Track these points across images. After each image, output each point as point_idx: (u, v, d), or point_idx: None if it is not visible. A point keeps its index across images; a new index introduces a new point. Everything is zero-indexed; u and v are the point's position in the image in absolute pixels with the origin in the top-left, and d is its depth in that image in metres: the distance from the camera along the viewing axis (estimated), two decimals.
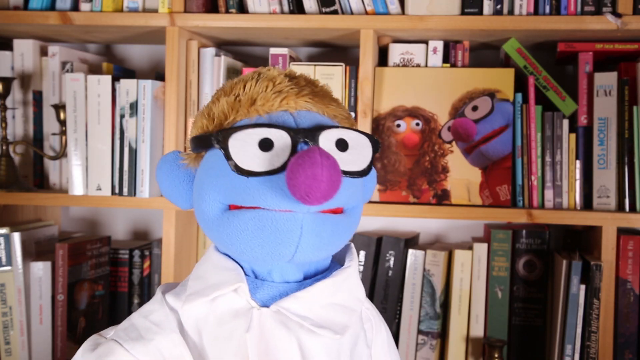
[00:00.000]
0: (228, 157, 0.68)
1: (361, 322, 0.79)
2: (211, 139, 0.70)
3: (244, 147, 0.68)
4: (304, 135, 0.68)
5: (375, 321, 0.82)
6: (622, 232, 1.36)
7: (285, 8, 1.39)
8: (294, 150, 0.68)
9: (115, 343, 0.71)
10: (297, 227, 0.67)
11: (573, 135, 1.36)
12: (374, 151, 0.73)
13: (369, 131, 1.38)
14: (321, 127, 0.70)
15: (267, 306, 0.72)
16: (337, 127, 0.72)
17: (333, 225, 0.70)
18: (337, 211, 0.72)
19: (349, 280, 0.76)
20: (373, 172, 0.82)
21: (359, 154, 0.71)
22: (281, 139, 0.68)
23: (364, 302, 0.80)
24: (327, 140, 0.69)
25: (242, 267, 0.74)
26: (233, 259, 0.75)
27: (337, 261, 0.81)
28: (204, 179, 0.73)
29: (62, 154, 1.51)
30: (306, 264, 0.74)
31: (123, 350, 0.70)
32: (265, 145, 0.68)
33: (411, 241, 1.48)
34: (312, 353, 0.70)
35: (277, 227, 0.68)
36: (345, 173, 0.69)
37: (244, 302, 0.71)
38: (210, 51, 1.46)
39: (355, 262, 0.78)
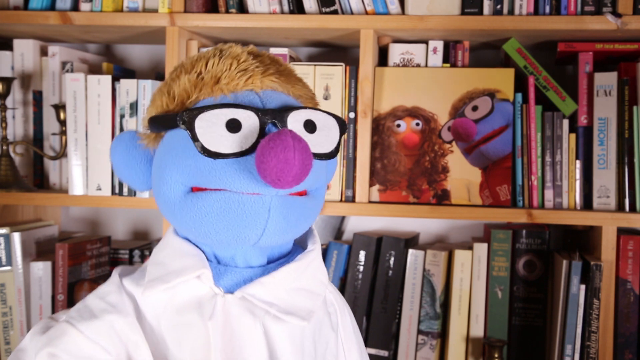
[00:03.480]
0: (195, 138, 0.65)
1: (325, 306, 0.78)
2: (175, 119, 0.67)
3: (210, 128, 0.66)
4: (272, 117, 0.67)
5: (339, 305, 0.81)
6: (622, 232, 1.36)
7: (285, 8, 1.39)
8: (262, 132, 0.66)
9: (68, 324, 0.68)
10: (265, 210, 0.66)
11: (573, 135, 1.36)
12: (341, 132, 0.72)
13: (369, 131, 1.38)
14: (289, 108, 0.68)
15: (231, 292, 0.70)
16: (304, 108, 0.70)
17: (300, 208, 0.69)
18: (302, 194, 0.71)
19: (313, 264, 0.75)
20: None
21: (327, 135, 0.70)
22: (249, 120, 0.66)
23: (328, 286, 0.79)
24: (295, 122, 0.68)
25: (204, 252, 0.72)
26: (194, 244, 0.73)
27: (299, 244, 0.80)
28: (165, 159, 0.70)
29: (62, 154, 1.51)
30: (270, 247, 0.73)
31: (76, 331, 0.67)
32: (233, 126, 0.66)
33: (411, 241, 1.48)
34: (277, 340, 0.69)
35: (244, 210, 0.66)
36: (315, 155, 0.68)
37: (207, 289, 0.70)
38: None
39: (318, 245, 0.78)
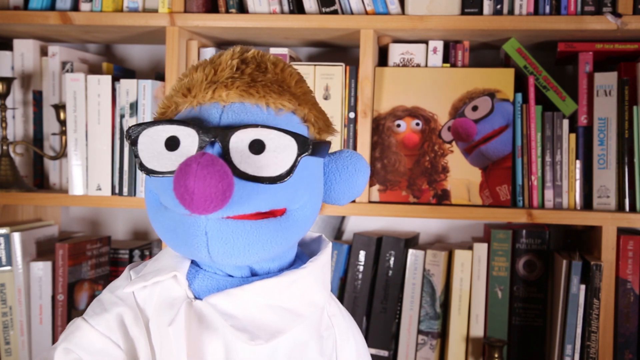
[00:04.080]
0: (135, 154, 0.66)
1: (318, 329, 0.73)
2: (129, 133, 0.67)
3: (151, 145, 0.66)
4: (214, 135, 0.64)
5: (341, 330, 0.76)
6: (622, 232, 1.36)
7: (285, 8, 1.39)
8: (200, 151, 0.64)
9: (82, 320, 0.71)
10: (202, 233, 0.65)
11: (573, 135, 1.36)
12: (301, 152, 0.66)
13: (369, 131, 1.38)
14: (236, 127, 0.65)
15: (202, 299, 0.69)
16: (255, 126, 0.65)
17: (247, 232, 0.65)
18: (275, 213, 0.67)
19: (302, 282, 0.71)
20: (360, 166, 0.75)
21: (277, 157, 0.65)
22: (188, 138, 0.65)
23: (329, 307, 0.75)
24: (239, 141, 0.64)
25: None
26: None
27: (309, 255, 0.76)
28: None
29: (62, 154, 1.51)
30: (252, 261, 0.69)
31: (88, 326, 0.70)
32: (171, 144, 0.65)
33: (411, 241, 1.48)
34: (238, 356, 0.67)
35: (186, 231, 0.65)
36: (254, 178, 0.64)
37: (182, 291, 0.69)
38: (210, 51, 1.46)
39: (318, 264, 0.73)
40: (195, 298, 0.69)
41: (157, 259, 0.74)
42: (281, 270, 0.72)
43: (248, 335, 0.65)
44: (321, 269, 0.74)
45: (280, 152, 0.65)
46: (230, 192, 0.61)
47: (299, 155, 0.66)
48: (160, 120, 0.67)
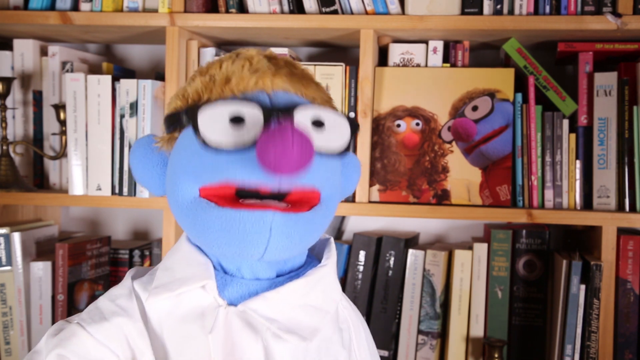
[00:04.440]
0: (197, 131, 0.65)
1: (336, 323, 0.75)
2: (181, 115, 0.68)
3: (214, 122, 0.65)
4: (278, 112, 0.65)
5: (353, 321, 0.78)
6: (622, 232, 1.36)
7: (285, 8, 1.39)
8: (266, 126, 0.64)
9: (78, 326, 0.69)
10: (266, 229, 0.64)
11: (573, 135, 1.36)
12: (352, 132, 0.70)
13: (369, 131, 1.38)
14: (296, 105, 0.67)
15: (235, 305, 0.68)
16: (314, 106, 0.69)
17: (305, 225, 0.67)
18: (313, 198, 0.69)
19: (324, 280, 0.73)
20: (356, 162, 0.79)
21: (336, 133, 0.69)
22: (254, 116, 0.65)
23: (341, 301, 0.77)
24: (302, 118, 0.67)
25: (211, 260, 0.71)
26: (204, 252, 0.72)
27: (316, 255, 0.78)
28: (177, 161, 0.70)
29: (62, 154, 1.51)
30: (279, 261, 0.71)
31: (85, 333, 0.68)
32: (237, 121, 0.65)
33: (411, 241, 1.48)
34: (278, 358, 0.67)
35: (245, 229, 0.64)
36: (323, 152, 0.67)
37: (211, 299, 0.69)
38: (210, 51, 1.46)
39: (333, 260, 0.75)
40: (228, 305, 0.69)
41: (171, 269, 0.71)
42: (292, 270, 0.73)
43: (297, 337, 0.67)
44: (335, 265, 0.76)
45: (337, 130, 0.69)
46: (312, 155, 0.62)
47: (352, 134, 0.70)
48: (221, 99, 0.67)
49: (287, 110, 0.66)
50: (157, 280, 0.71)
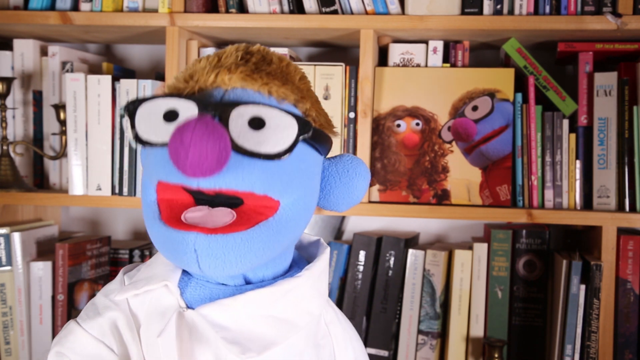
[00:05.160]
0: (132, 126, 0.64)
1: (314, 338, 0.72)
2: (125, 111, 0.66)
3: (149, 117, 0.64)
4: (214, 109, 0.63)
5: (338, 339, 0.75)
6: (622, 232, 1.36)
7: (285, 8, 1.39)
8: (186, 123, 0.60)
9: (75, 323, 0.70)
10: (191, 250, 0.62)
11: (573, 135, 1.36)
12: (301, 133, 0.64)
13: (369, 131, 1.38)
14: (237, 103, 0.64)
15: (194, 308, 0.67)
16: (257, 103, 0.64)
17: (237, 245, 0.63)
18: (268, 208, 0.65)
19: (296, 291, 0.68)
20: (357, 168, 0.73)
21: (276, 135, 0.63)
22: (188, 111, 0.63)
23: (324, 316, 0.74)
24: (239, 116, 0.63)
25: None
26: None
27: (307, 259, 0.75)
28: (142, 162, 0.70)
29: (62, 154, 1.51)
30: (247, 269, 0.66)
31: (81, 330, 0.69)
32: (170, 116, 0.64)
33: (411, 241, 1.48)
34: None
35: (175, 247, 0.63)
36: (252, 153, 0.62)
37: (174, 300, 0.68)
38: (210, 51, 1.46)
39: (316, 270, 0.71)
40: (188, 307, 0.67)
41: (150, 265, 0.72)
42: (276, 277, 0.70)
43: (239, 348, 0.63)
44: (318, 276, 0.72)
45: (281, 131, 0.64)
46: (226, 156, 0.59)
47: (299, 135, 0.64)
48: (160, 95, 0.66)
49: (225, 107, 0.63)
50: (137, 275, 0.72)
